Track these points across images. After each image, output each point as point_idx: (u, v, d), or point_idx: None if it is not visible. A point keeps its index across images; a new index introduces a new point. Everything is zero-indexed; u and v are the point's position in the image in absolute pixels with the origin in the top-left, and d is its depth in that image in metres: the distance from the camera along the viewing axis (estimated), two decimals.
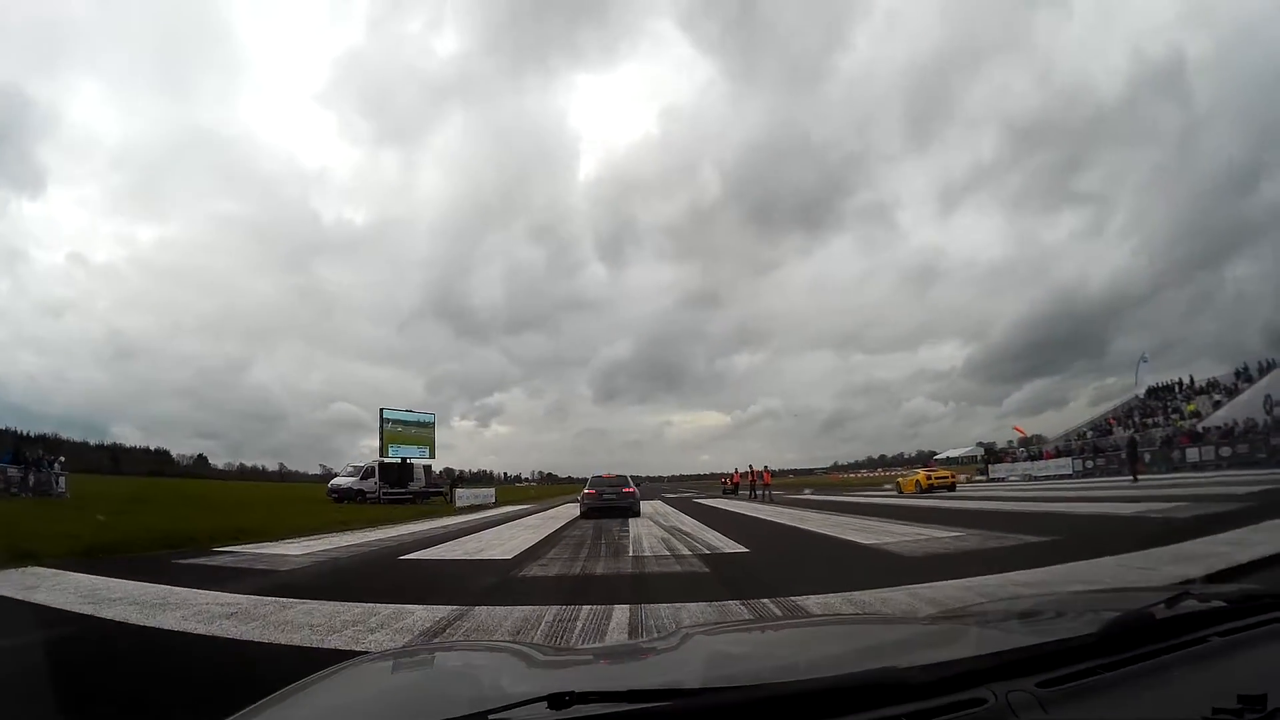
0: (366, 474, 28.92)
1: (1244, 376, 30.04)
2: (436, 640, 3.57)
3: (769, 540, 9.31)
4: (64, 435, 64.84)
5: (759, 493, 25.41)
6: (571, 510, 18.22)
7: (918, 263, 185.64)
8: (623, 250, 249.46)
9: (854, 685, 0.81)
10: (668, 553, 7.62)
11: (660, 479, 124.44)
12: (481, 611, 4.29)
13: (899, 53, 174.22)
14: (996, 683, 0.82)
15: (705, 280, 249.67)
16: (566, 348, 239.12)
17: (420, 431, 31.26)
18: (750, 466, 28.37)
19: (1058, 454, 34.47)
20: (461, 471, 65.45)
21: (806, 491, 31.80)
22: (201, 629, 3.83)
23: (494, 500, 28.39)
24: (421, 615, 4.11)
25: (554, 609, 4.28)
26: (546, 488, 74.67)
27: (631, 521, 13.33)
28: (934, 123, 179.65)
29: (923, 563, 5.93)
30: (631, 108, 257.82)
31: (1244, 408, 26.82)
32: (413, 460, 30.56)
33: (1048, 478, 30.50)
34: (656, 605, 4.33)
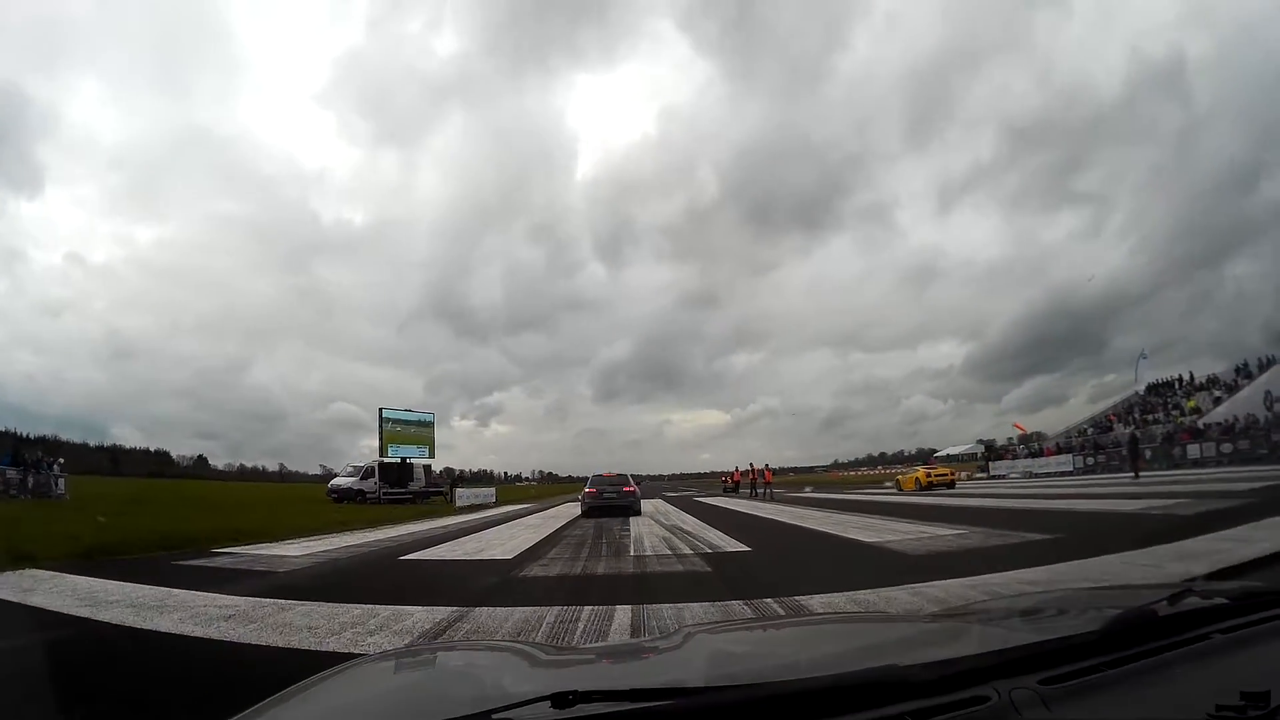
0: (366, 474, 28.90)
1: (1244, 373, 30.06)
2: (438, 640, 3.54)
3: (771, 539, 9.28)
4: (63, 436, 64.79)
5: (760, 491, 25.40)
6: (572, 510, 18.20)
7: (916, 262, 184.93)
8: (622, 250, 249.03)
9: (856, 684, 0.81)
10: (669, 552, 7.59)
11: (661, 478, 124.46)
12: (482, 613, 4.26)
13: (898, 53, 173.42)
14: (999, 680, 0.82)
15: (704, 280, 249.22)
16: (566, 347, 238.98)
17: (420, 431, 31.24)
18: (751, 465, 28.41)
19: (1058, 451, 34.47)
20: (462, 471, 65.33)
21: (807, 490, 31.78)
22: (199, 631, 3.80)
23: (494, 500, 28.36)
24: (421, 617, 4.08)
25: (555, 610, 4.25)
26: (547, 487, 74.62)
27: (632, 520, 13.30)
28: (933, 123, 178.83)
29: (926, 561, 5.89)
30: (630, 108, 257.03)
31: (1244, 404, 26.86)
32: (412, 460, 30.54)
33: (1049, 475, 30.47)
34: (659, 605, 4.30)
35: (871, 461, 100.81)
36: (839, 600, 4.30)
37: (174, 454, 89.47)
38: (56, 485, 21.99)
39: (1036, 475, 31.33)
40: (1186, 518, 7.83)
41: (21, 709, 2.72)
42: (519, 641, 2.46)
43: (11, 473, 21.03)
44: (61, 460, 26.58)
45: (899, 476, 29.07)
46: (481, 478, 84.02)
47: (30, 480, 21.17)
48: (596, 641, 3.45)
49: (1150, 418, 33.05)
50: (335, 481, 30.19)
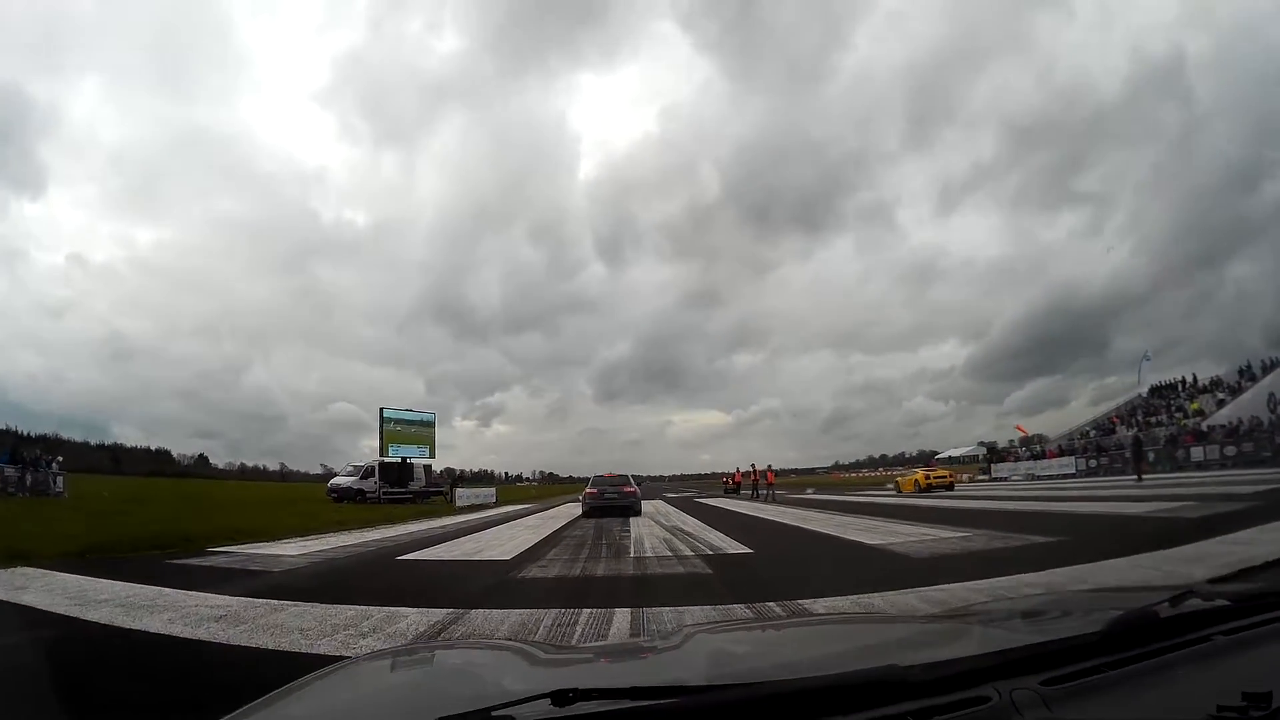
0: (366, 474, 28.80)
1: (1247, 375, 29.87)
2: (438, 638, 3.49)
3: (772, 541, 9.18)
4: (64, 435, 65.02)
5: (761, 492, 25.30)
6: (572, 510, 18.13)
7: (917, 262, 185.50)
8: (622, 250, 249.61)
9: (856, 683, 0.80)
10: (669, 553, 7.50)
11: (661, 478, 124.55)
12: (478, 615, 4.17)
13: (899, 52, 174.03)
14: (1000, 681, 0.81)
15: (705, 280, 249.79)
16: (567, 347, 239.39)
17: (420, 431, 31.14)
18: (753, 466, 28.27)
19: (1061, 453, 34.32)
20: (462, 471, 65.20)
21: (808, 491, 31.67)
22: (187, 632, 3.72)
23: (494, 500, 28.30)
24: (415, 619, 4.00)
25: (553, 612, 4.16)
26: (547, 487, 74.55)
27: (633, 521, 13.23)
28: (934, 122, 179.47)
29: (931, 564, 5.80)
30: (631, 107, 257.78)
31: (1248, 406, 26.67)
32: (413, 460, 30.41)
33: (1051, 477, 30.34)
34: (659, 609, 4.22)
35: (872, 463, 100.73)
36: (843, 604, 4.21)
37: (175, 453, 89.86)
38: (55, 483, 21.96)
39: (1039, 478, 31.18)
40: (1193, 521, 7.75)
41: (1, 709, 2.65)
42: (518, 640, 2.42)
43: (10, 470, 20.99)
44: (60, 458, 26.55)
45: (898, 478, 28.98)
46: (482, 478, 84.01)
47: (29, 478, 21.13)
48: (596, 641, 3.39)
49: (1153, 420, 32.90)
50: (335, 481, 30.08)
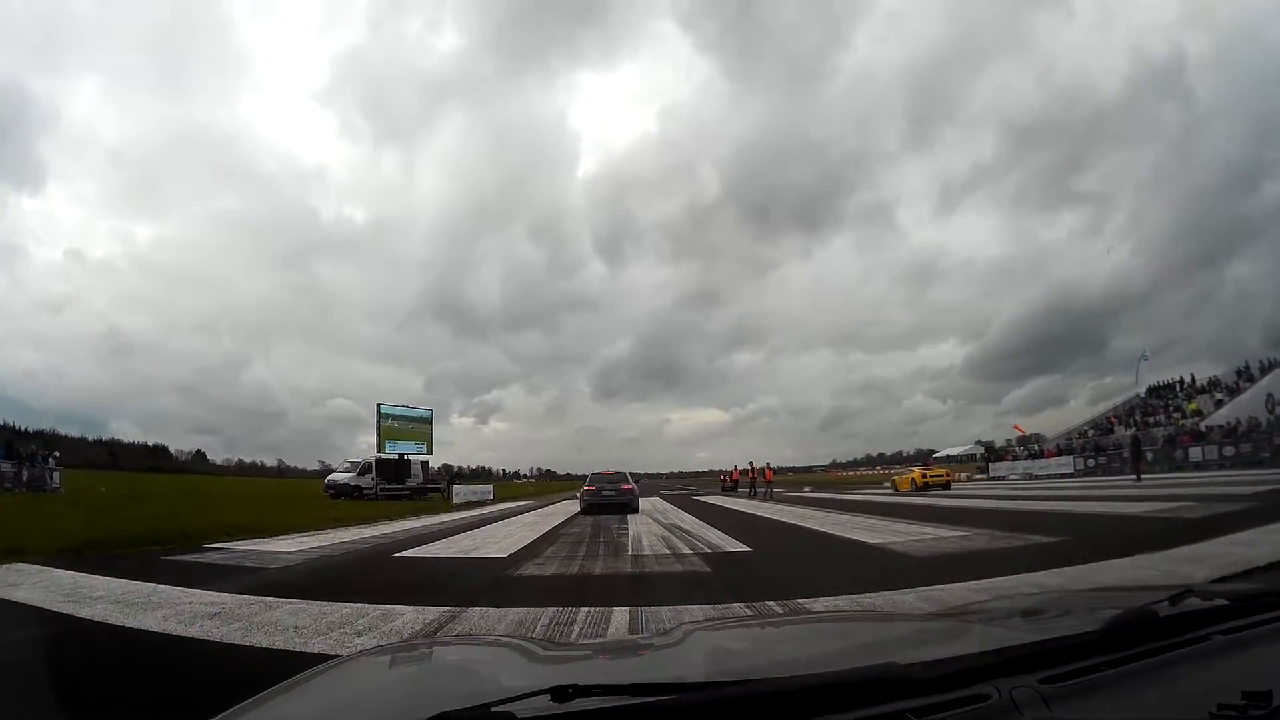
0: (364, 470, 28.75)
1: (1245, 375, 29.90)
2: (436, 636, 3.46)
3: (771, 539, 9.15)
4: (62, 431, 64.68)
5: (760, 490, 25.28)
6: (569, 507, 18.11)
7: (917, 262, 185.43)
8: (622, 249, 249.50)
9: (856, 681, 0.81)
10: (668, 551, 7.46)
11: (659, 476, 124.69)
12: (474, 613, 4.14)
13: (899, 52, 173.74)
14: (1000, 679, 0.82)
15: (704, 279, 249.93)
16: (566, 345, 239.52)
17: (418, 427, 31.11)
18: (751, 464, 28.25)
19: (1059, 452, 34.36)
20: (460, 468, 65.02)
21: (806, 489, 31.64)
22: (180, 630, 3.68)
23: (492, 497, 28.28)
24: (411, 617, 3.95)
25: (550, 611, 4.12)
26: (545, 484, 74.55)
27: (631, 518, 13.21)
28: (934, 122, 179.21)
29: (931, 563, 5.77)
30: (631, 106, 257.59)
31: (1246, 407, 26.70)
32: (410, 456, 30.39)
33: (1049, 476, 30.38)
34: (657, 607, 4.18)
35: (870, 462, 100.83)
36: (843, 604, 4.18)
37: (173, 449, 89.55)
38: (51, 479, 21.91)
39: (1037, 477, 31.22)
40: (1193, 521, 7.73)
41: None
42: (516, 637, 2.40)
43: (6, 466, 20.94)
44: (57, 454, 26.48)
45: (895, 477, 29.01)
46: (480, 475, 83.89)
47: (25, 474, 21.06)
48: (594, 639, 3.36)
49: (1151, 420, 32.93)
50: (332, 477, 30.02)
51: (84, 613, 4.18)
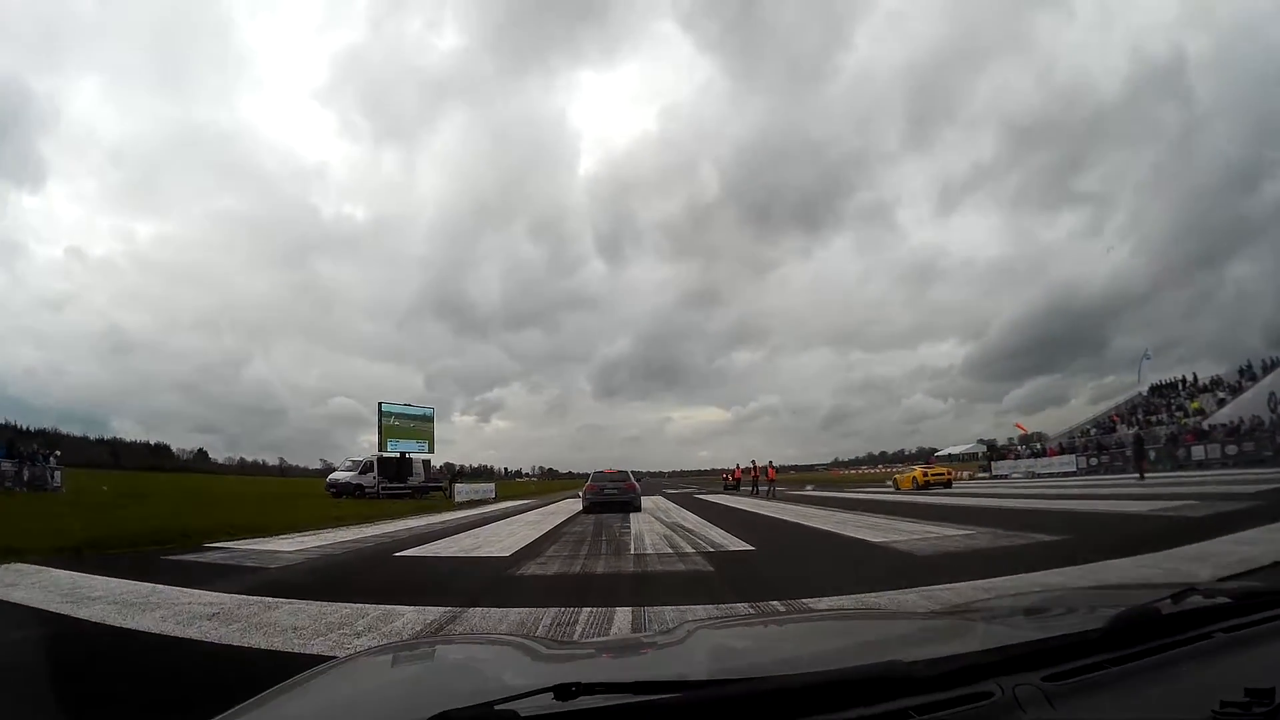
0: (365, 469, 28.76)
1: (1248, 374, 29.83)
2: (438, 635, 3.43)
3: (774, 538, 9.11)
4: (64, 430, 64.84)
5: (762, 489, 25.24)
6: (571, 506, 18.08)
7: (917, 261, 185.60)
8: (622, 248, 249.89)
9: (859, 678, 0.81)
10: (670, 550, 7.42)
11: (661, 474, 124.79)
12: (475, 613, 4.10)
13: (899, 52, 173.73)
14: (1002, 677, 0.81)
15: (705, 278, 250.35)
16: (567, 344, 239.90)
17: (419, 426, 31.10)
18: (753, 462, 28.22)
19: (1061, 451, 34.30)
20: (461, 466, 64.95)
21: (808, 488, 31.59)
22: (178, 631, 3.64)
23: (494, 495, 28.27)
24: (411, 617, 3.91)
25: (552, 611, 4.08)
26: (547, 483, 74.50)
27: (633, 517, 13.17)
28: (934, 122, 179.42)
29: (936, 562, 5.73)
30: (631, 106, 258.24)
31: (1249, 405, 26.65)
32: (412, 455, 30.37)
33: (1052, 475, 30.32)
34: (660, 607, 4.14)
35: (872, 460, 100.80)
36: (848, 604, 4.14)
37: (174, 447, 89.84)
38: (52, 478, 21.91)
39: (1039, 475, 31.17)
40: (1198, 520, 7.69)
41: None
42: (519, 635, 2.37)
43: (7, 465, 20.92)
44: (58, 453, 26.50)
45: (896, 476, 29.04)
46: (481, 473, 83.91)
47: (26, 473, 21.05)
48: (597, 637, 3.33)
49: (1154, 419, 32.86)
50: (334, 476, 30.05)
51: (82, 613, 4.15)
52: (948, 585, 4.45)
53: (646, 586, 5.21)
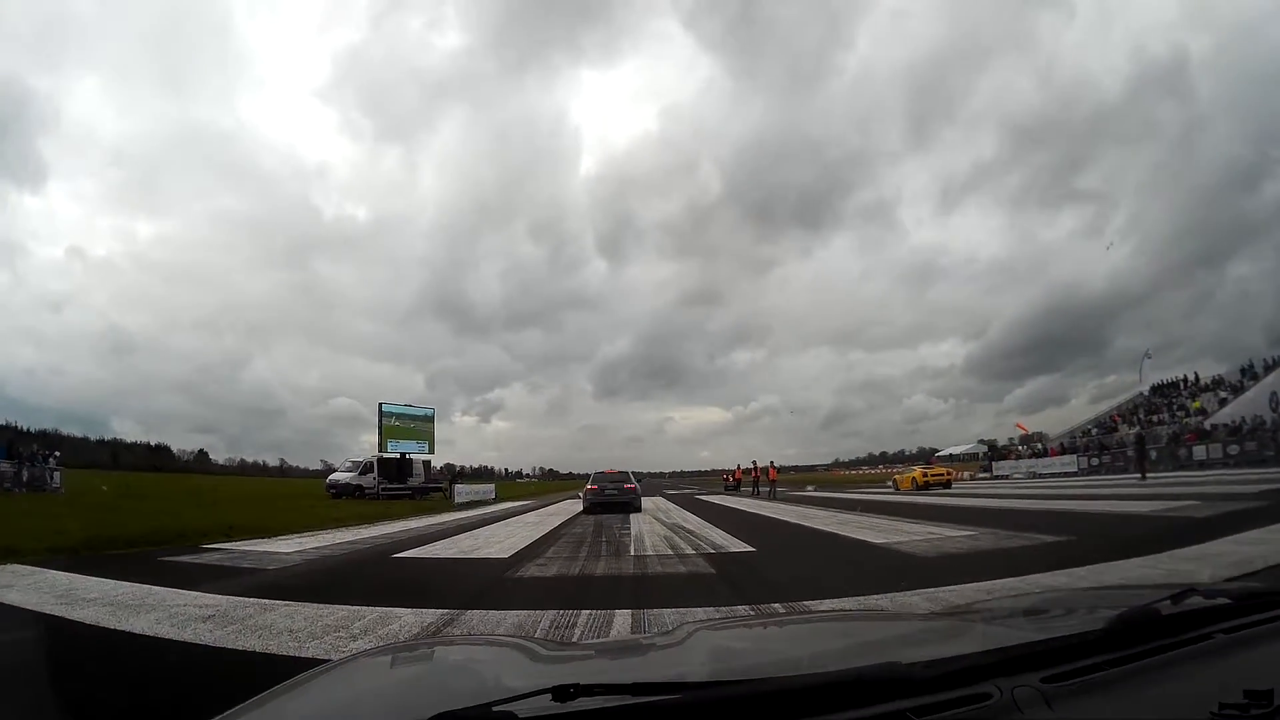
0: (365, 469, 28.69)
1: (1250, 374, 29.78)
2: (436, 636, 3.40)
3: (775, 539, 9.07)
4: (64, 430, 64.93)
5: (763, 489, 25.18)
6: (572, 507, 18.04)
7: (918, 261, 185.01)
8: (623, 247, 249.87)
9: (858, 680, 0.81)
10: (670, 552, 7.38)
11: (661, 474, 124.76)
12: (474, 616, 4.06)
13: (900, 51, 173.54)
14: (1001, 678, 0.81)
15: (705, 277, 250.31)
16: (567, 344, 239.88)
17: (420, 426, 31.02)
18: (754, 462, 28.18)
19: (1062, 451, 34.23)
20: (462, 467, 64.90)
21: (809, 488, 31.55)
22: (173, 633, 3.60)
23: (494, 496, 28.21)
24: (409, 620, 3.88)
25: (551, 613, 4.04)
26: (547, 484, 74.43)
27: (633, 518, 13.13)
28: (935, 121, 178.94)
29: (939, 563, 5.68)
30: (632, 105, 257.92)
31: (1250, 405, 26.60)
32: (412, 455, 30.30)
33: (1053, 475, 30.25)
34: (660, 610, 4.11)
35: (872, 460, 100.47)
36: (849, 606, 4.09)
37: (174, 448, 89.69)
38: (52, 479, 21.87)
39: (1041, 476, 31.10)
40: (1201, 520, 7.64)
41: None
42: (518, 637, 2.36)
43: (6, 466, 20.89)
44: (58, 453, 26.47)
45: (896, 476, 28.99)
46: (482, 474, 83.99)
47: (25, 474, 21.02)
48: (596, 639, 3.30)
49: (1155, 418, 32.81)
50: (334, 476, 29.97)
51: (76, 615, 4.12)
52: (952, 587, 4.40)
53: (646, 588, 5.17)
